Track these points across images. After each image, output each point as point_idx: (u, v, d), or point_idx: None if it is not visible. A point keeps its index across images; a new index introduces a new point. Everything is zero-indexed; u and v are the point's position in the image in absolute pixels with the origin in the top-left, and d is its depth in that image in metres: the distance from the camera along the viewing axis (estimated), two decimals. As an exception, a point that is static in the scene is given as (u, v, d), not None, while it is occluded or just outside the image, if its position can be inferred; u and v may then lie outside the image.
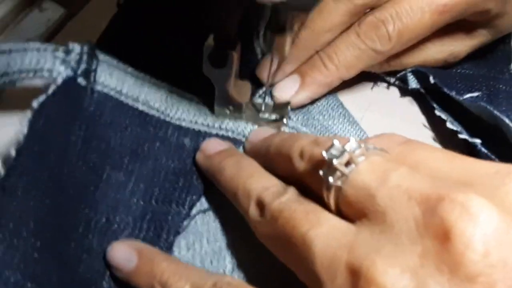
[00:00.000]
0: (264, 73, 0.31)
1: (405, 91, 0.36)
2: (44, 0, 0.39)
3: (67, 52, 0.27)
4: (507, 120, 0.30)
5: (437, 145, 0.34)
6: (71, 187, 0.26)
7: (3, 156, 0.25)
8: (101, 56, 0.28)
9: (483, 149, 0.31)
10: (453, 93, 0.33)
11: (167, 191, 0.27)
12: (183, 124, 0.30)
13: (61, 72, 0.27)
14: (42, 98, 0.25)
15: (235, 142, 0.30)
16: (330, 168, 0.20)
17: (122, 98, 0.29)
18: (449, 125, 0.32)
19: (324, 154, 0.21)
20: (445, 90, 0.33)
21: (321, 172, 0.21)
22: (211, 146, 0.28)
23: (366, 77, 0.36)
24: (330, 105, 0.34)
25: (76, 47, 0.27)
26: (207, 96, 0.30)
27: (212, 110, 0.30)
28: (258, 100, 0.32)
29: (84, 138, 0.27)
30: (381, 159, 0.20)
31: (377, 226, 0.18)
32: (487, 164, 0.20)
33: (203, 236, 0.27)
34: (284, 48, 0.27)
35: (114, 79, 0.28)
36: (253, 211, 0.23)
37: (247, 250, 0.26)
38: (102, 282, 0.24)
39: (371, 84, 0.37)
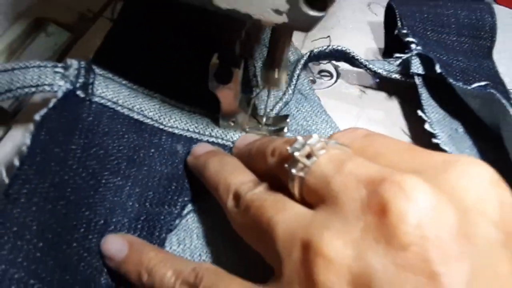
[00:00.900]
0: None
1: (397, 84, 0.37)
2: (49, 25, 0.41)
3: (66, 67, 0.29)
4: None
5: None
6: (72, 192, 0.27)
7: (6, 166, 0.27)
8: (98, 70, 0.30)
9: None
10: (460, 84, 0.33)
11: (161, 195, 0.29)
12: (176, 131, 0.31)
13: (61, 86, 0.29)
14: (43, 111, 0.26)
15: (224, 147, 0.31)
16: (293, 161, 0.22)
17: (118, 108, 0.30)
18: (427, 126, 0.33)
19: (289, 148, 0.22)
20: (451, 80, 0.33)
21: (286, 165, 0.22)
22: (200, 148, 0.30)
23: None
24: (314, 112, 0.35)
25: (74, 63, 0.29)
26: (199, 105, 0.32)
27: (206, 118, 0.32)
28: (260, 113, 0.33)
29: (83, 146, 0.28)
30: (340, 151, 0.22)
31: (331, 208, 0.20)
32: (438, 155, 0.21)
33: (193, 232, 0.28)
34: (277, 81, 0.30)
35: (110, 91, 0.30)
36: (230, 202, 0.25)
37: (227, 243, 0.28)
38: (100, 278, 0.26)
39: (358, 91, 0.39)
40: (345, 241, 0.18)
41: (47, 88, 0.28)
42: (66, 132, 0.28)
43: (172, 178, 0.29)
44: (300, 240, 0.20)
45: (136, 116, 0.31)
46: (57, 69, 0.29)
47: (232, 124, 0.32)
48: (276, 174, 0.24)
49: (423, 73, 0.35)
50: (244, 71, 0.31)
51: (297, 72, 0.35)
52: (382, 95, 0.39)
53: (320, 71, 0.41)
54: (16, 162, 0.25)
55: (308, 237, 0.19)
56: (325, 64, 0.41)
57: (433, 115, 0.33)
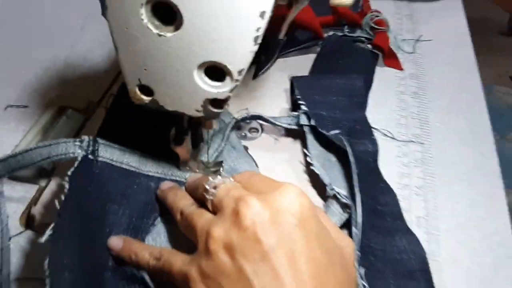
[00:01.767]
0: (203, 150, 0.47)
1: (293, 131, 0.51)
2: (69, 111, 0.53)
3: (81, 141, 0.41)
4: (349, 149, 0.45)
5: (306, 176, 0.49)
6: (94, 218, 0.39)
7: (46, 206, 0.42)
8: (100, 141, 0.42)
9: (322, 177, 0.45)
10: (324, 131, 0.48)
11: (141, 213, 0.42)
12: (150, 174, 0.45)
13: (80, 153, 0.41)
14: (71, 170, 0.38)
15: (180, 183, 0.45)
16: (207, 191, 0.37)
17: (113, 163, 0.43)
18: (308, 159, 0.47)
19: (205, 184, 0.37)
20: (319, 129, 0.48)
21: (204, 193, 0.37)
22: (164, 185, 0.44)
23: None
24: (240, 157, 0.48)
25: (86, 138, 0.42)
26: (166, 157, 0.46)
27: (170, 164, 0.46)
28: (204, 159, 0.46)
29: (95, 188, 0.40)
30: (231, 185, 0.36)
31: (221, 214, 0.34)
32: (277, 182, 0.35)
33: (161, 233, 0.43)
34: (196, 157, 0.44)
35: (108, 153, 0.43)
36: (178, 216, 0.39)
37: (177, 237, 0.42)
38: (109, 262, 0.38)
39: (273, 139, 0.53)
40: (222, 229, 0.32)
41: (71, 155, 0.40)
42: (84, 182, 0.40)
43: (148, 203, 0.43)
44: (206, 231, 0.33)
45: (124, 167, 0.44)
46: (76, 143, 0.41)
47: (188, 168, 0.45)
48: (201, 198, 0.38)
49: (308, 124, 0.51)
50: (192, 136, 0.45)
51: (227, 132, 0.48)
52: (288, 140, 0.52)
53: (250, 128, 0.54)
54: (57, 204, 0.36)
55: (209, 229, 0.33)
56: (251, 123, 0.54)
57: (313, 151, 0.48)
